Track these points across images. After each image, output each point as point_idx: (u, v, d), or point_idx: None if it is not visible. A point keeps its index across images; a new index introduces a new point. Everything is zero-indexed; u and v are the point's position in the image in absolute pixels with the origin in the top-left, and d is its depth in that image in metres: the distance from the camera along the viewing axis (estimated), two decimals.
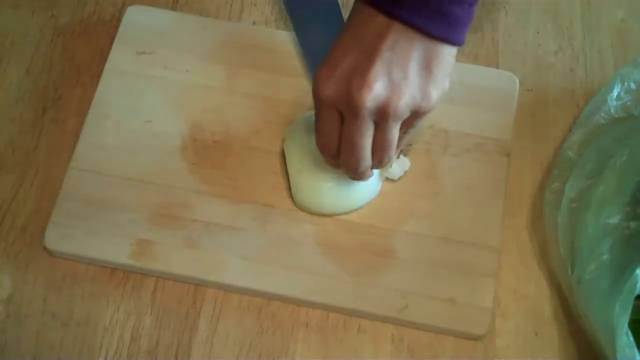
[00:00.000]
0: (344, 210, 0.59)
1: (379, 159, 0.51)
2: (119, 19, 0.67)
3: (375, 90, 0.46)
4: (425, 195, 0.60)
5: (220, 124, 0.62)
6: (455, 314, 0.56)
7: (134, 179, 0.60)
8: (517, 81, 0.65)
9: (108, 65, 0.64)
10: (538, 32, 0.70)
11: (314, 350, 0.57)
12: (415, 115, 0.48)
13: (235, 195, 0.60)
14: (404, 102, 0.46)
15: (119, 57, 0.64)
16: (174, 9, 0.69)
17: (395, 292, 0.57)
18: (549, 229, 0.59)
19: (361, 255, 0.58)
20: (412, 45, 0.46)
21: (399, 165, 0.59)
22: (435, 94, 0.47)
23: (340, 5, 0.70)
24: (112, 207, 0.59)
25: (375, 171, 0.57)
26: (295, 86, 0.64)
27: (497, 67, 0.67)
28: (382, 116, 0.47)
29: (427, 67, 0.46)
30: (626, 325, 0.50)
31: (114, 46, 0.65)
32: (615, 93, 0.61)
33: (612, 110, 0.61)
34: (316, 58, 0.61)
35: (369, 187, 0.59)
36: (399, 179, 0.60)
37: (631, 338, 0.50)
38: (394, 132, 0.49)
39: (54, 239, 0.58)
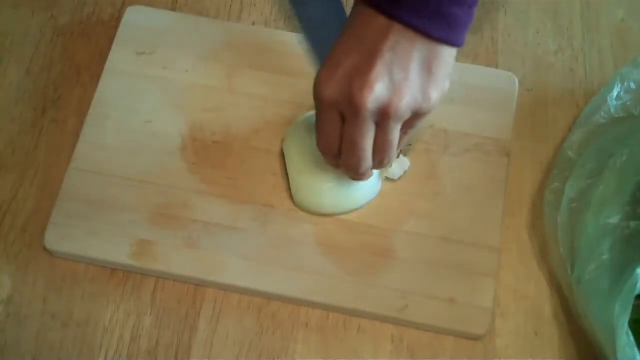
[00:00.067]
0: (344, 210, 0.59)
1: (380, 160, 0.51)
2: (118, 19, 0.67)
3: (377, 91, 0.46)
4: (425, 195, 0.60)
5: (220, 124, 0.62)
6: (455, 314, 0.56)
7: (134, 179, 0.60)
8: (517, 81, 0.65)
9: (108, 66, 0.64)
10: (538, 32, 0.70)
11: (314, 350, 0.57)
12: (416, 116, 0.48)
13: (235, 196, 0.60)
14: (405, 103, 0.46)
15: (118, 57, 0.64)
16: (173, 9, 0.69)
17: (395, 292, 0.57)
18: (549, 229, 0.59)
19: (361, 255, 0.58)
20: (412, 46, 0.46)
21: (399, 165, 0.59)
22: (435, 94, 0.47)
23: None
24: (112, 207, 0.59)
25: (375, 171, 0.57)
26: (295, 86, 0.64)
27: (497, 67, 0.67)
28: (383, 117, 0.47)
29: (428, 68, 0.46)
30: (626, 325, 0.50)
31: (114, 46, 0.65)
32: (615, 93, 0.61)
33: (612, 110, 0.61)
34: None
35: (368, 187, 0.59)
36: (399, 179, 0.60)
37: (631, 338, 0.50)
38: (395, 132, 0.49)
39: (54, 239, 0.58)
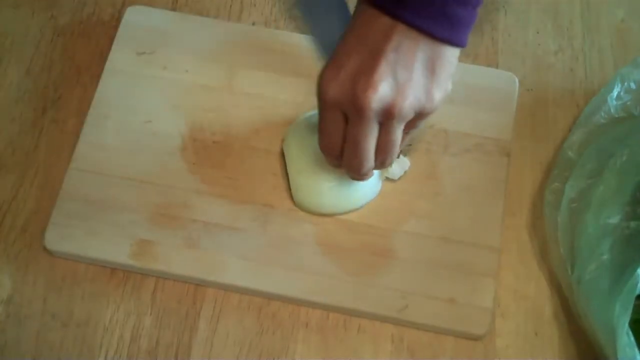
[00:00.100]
0: (344, 210, 0.59)
1: (382, 160, 0.51)
2: (118, 19, 0.67)
3: (381, 91, 0.46)
4: (425, 195, 0.60)
5: (220, 124, 0.62)
6: (455, 314, 0.56)
7: (134, 179, 0.60)
8: (517, 81, 0.65)
9: (108, 66, 0.64)
10: (538, 32, 0.70)
11: (314, 350, 0.57)
12: (419, 116, 0.48)
13: (235, 195, 0.60)
14: (409, 103, 0.46)
15: (118, 57, 0.64)
16: (173, 9, 0.69)
17: (395, 292, 0.57)
18: (549, 229, 0.59)
19: (361, 255, 0.58)
20: (416, 46, 0.46)
21: (399, 165, 0.59)
22: (438, 95, 0.48)
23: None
24: (112, 207, 0.59)
25: (375, 171, 0.57)
26: (295, 86, 0.64)
27: (497, 67, 0.67)
28: (387, 117, 0.47)
29: (431, 68, 0.47)
30: (627, 325, 0.50)
31: (114, 46, 0.65)
32: (615, 93, 0.61)
33: (612, 110, 0.61)
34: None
35: (369, 187, 0.59)
36: (399, 179, 0.60)
37: (632, 338, 0.50)
38: (398, 133, 0.49)
39: (54, 239, 0.58)
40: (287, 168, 0.60)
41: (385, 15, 0.45)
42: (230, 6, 0.69)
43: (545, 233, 0.60)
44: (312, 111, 0.62)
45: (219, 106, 0.63)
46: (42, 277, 0.58)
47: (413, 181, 0.61)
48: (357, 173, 0.52)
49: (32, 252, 0.59)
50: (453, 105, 0.63)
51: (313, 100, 0.63)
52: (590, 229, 0.55)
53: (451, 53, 0.47)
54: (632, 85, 0.61)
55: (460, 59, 0.48)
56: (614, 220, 0.54)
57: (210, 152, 0.61)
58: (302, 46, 0.66)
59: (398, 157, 0.59)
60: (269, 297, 0.58)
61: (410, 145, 0.62)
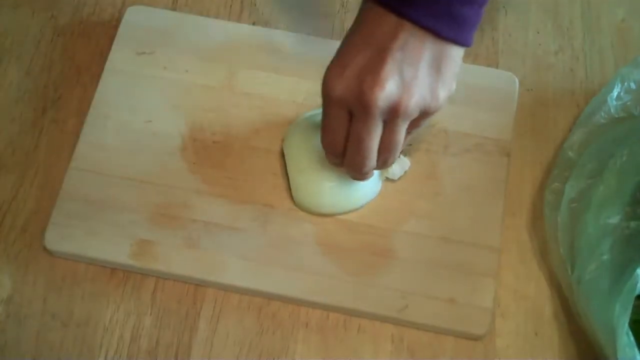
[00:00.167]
0: (343, 210, 0.59)
1: (384, 159, 0.51)
2: (118, 19, 0.67)
3: (387, 89, 0.46)
4: (425, 195, 0.60)
5: (220, 124, 0.62)
6: (455, 314, 0.56)
7: (134, 179, 0.60)
8: (517, 81, 0.65)
9: (108, 66, 0.64)
10: (538, 32, 0.70)
11: (314, 350, 0.57)
12: (423, 115, 0.49)
13: (235, 195, 0.60)
14: (414, 102, 0.47)
15: (118, 57, 0.64)
16: (173, 9, 0.69)
17: (395, 292, 0.57)
18: (549, 229, 0.59)
19: (361, 255, 0.58)
20: (422, 45, 0.46)
21: (399, 165, 0.59)
22: (443, 94, 0.48)
23: (340, 5, 0.70)
24: (112, 207, 0.59)
25: (376, 171, 0.57)
26: (295, 86, 0.64)
27: (497, 67, 0.67)
28: (392, 115, 0.47)
29: (437, 67, 0.47)
30: (626, 325, 0.50)
31: (114, 46, 0.65)
32: (615, 93, 0.61)
33: (612, 110, 0.61)
34: None
35: (369, 187, 0.59)
36: (399, 179, 0.60)
37: (631, 338, 0.50)
38: (402, 131, 0.49)
39: (54, 239, 0.58)
40: (287, 168, 0.60)
41: (391, 13, 0.45)
42: (230, 6, 0.69)
43: (545, 233, 0.60)
44: (312, 111, 0.62)
45: (219, 106, 0.63)
46: (42, 277, 0.58)
47: (413, 181, 0.61)
48: (358, 172, 0.52)
49: (32, 252, 0.59)
50: (453, 105, 0.63)
51: (313, 100, 0.63)
52: (590, 229, 0.55)
53: (456, 52, 0.47)
54: (633, 85, 0.61)
55: None
56: (614, 220, 0.54)
57: (210, 152, 0.61)
58: (302, 46, 0.66)
59: (398, 157, 0.59)
60: (269, 297, 0.58)
61: (410, 145, 0.62)
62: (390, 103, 0.46)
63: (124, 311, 0.57)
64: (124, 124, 0.62)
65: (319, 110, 0.61)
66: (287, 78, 0.64)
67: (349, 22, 0.68)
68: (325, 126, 0.51)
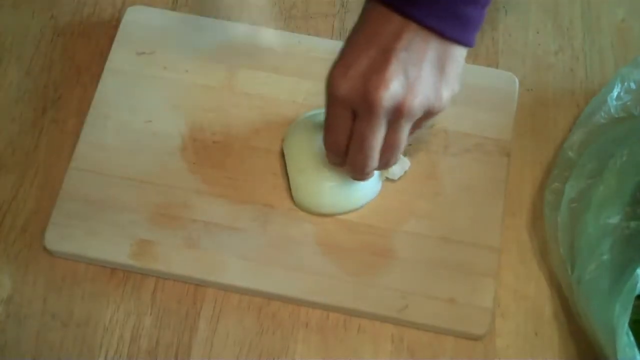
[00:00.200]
0: (343, 210, 0.59)
1: (386, 159, 0.51)
2: (118, 19, 0.67)
3: (392, 89, 0.46)
4: (425, 195, 0.60)
5: (220, 124, 0.62)
6: (455, 314, 0.56)
7: (134, 179, 0.60)
8: (517, 81, 0.65)
9: (108, 66, 0.64)
10: (538, 32, 0.70)
11: (314, 350, 0.57)
12: (427, 115, 0.49)
13: (235, 195, 0.60)
14: (419, 102, 0.47)
15: (118, 57, 0.64)
16: (173, 9, 0.69)
17: (395, 292, 0.57)
18: (549, 229, 0.59)
19: (361, 255, 0.58)
20: (426, 45, 0.46)
21: (399, 165, 0.59)
22: (447, 94, 0.48)
23: (340, 5, 0.70)
24: (112, 207, 0.59)
25: (376, 171, 0.57)
26: (295, 86, 0.64)
27: (497, 67, 0.67)
28: (396, 115, 0.47)
29: (441, 68, 0.47)
30: (626, 325, 0.50)
31: (114, 46, 0.65)
32: (615, 93, 0.61)
33: (612, 110, 0.61)
34: None
35: (369, 187, 0.59)
36: (399, 179, 0.60)
37: (631, 338, 0.50)
38: (406, 131, 0.49)
39: (54, 239, 0.58)
40: (287, 168, 0.60)
41: (396, 13, 0.45)
42: (231, 6, 0.69)
43: (545, 233, 0.60)
44: (312, 111, 0.62)
45: (219, 106, 0.63)
46: (42, 277, 0.58)
47: (413, 181, 0.61)
48: (360, 172, 0.53)
49: (32, 252, 0.59)
50: (453, 105, 0.62)
51: (313, 100, 0.63)
52: (590, 229, 0.55)
53: (459, 53, 0.47)
54: (632, 85, 0.61)
55: None
56: (614, 220, 0.54)
57: (210, 152, 0.61)
58: (302, 46, 0.66)
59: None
60: (269, 297, 0.58)
61: (410, 145, 0.62)
62: (394, 103, 0.46)
63: (124, 311, 0.57)
64: (124, 124, 0.62)
65: (319, 110, 0.62)
66: (287, 78, 0.64)
67: (349, 22, 0.69)
68: (328, 125, 0.51)
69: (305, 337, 0.57)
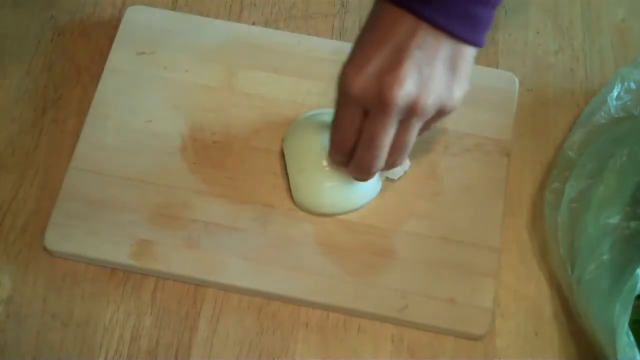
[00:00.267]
0: (343, 210, 0.59)
1: (393, 159, 0.52)
2: (118, 19, 0.67)
3: (406, 88, 0.46)
4: (425, 195, 0.60)
5: (220, 124, 0.62)
6: (455, 314, 0.56)
7: (134, 179, 0.60)
8: (517, 81, 0.65)
9: (108, 65, 0.64)
10: (538, 32, 0.70)
11: (314, 350, 0.57)
12: (438, 114, 0.49)
13: (235, 195, 0.60)
14: (432, 101, 0.47)
15: (118, 57, 0.64)
16: (173, 9, 0.69)
17: (395, 292, 0.57)
18: (549, 229, 0.59)
19: (361, 255, 0.58)
20: (439, 45, 0.46)
21: (399, 165, 0.59)
22: (458, 93, 0.48)
23: (340, 5, 0.70)
24: (112, 207, 0.59)
25: None
26: (295, 86, 0.64)
27: (497, 67, 0.67)
28: (409, 114, 0.48)
29: (453, 67, 0.47)
30: (626, 325, 0.50)
31: (114, 46, 0.65)
32: (615, 93, 0.61)
33: (612, 110, 0.61)
34: None
35: (369, 187, 0.59)
36: (399, 179, 0.60)
37: (631, 338, 0.50)
38: (416, 131, 0.50)
39: (54, 239, 0.58)
40: (287, 168, 0.60)
41: (408, 14, 0.46)
42: (230, 6, 0.69)
43: (545, 233, 0.60)
44: (312, 111, 0.62)
45: (219, 106, 0.63)
46: (42, 277, 0.58)
47: (413, 181, 0.61)
48: (366, 172, 0.53)
49: (32, 252, 0.59)
50: None
51: (313, 100, 0.63)
52: (590, 229, 0.55)
53: (470, 52, 0.48)
54: (632, 85, 0.61)
55: None
56: (614, 220, 0.54)
57: (210, 152, 0.61)
58: (302, 46, 0.66)
59: None
60: (269, 297, 0.58)
61: None
62: (408, 101, 0.47)
63: (124, 311, 0.57)
64: (124, 124, 0.62)
65: (319, 110, 0.62)
66: (287, 78, 0.64)
67: (349, 22, 0.69)
68: (337, 124, 0.51)
69: (305, 337, 0.57)
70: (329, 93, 0.63)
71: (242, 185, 0.60)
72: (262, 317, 0.57)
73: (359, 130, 0.50)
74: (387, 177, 0.60)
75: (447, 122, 0.63)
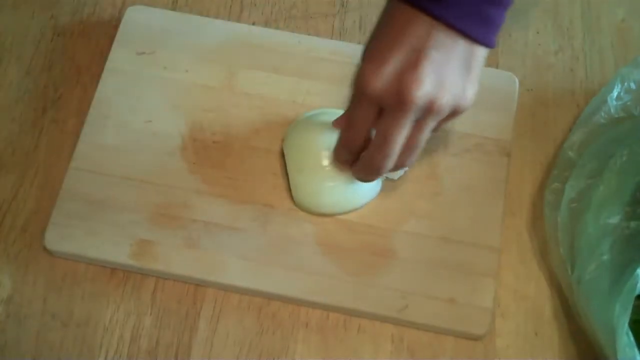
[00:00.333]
0: (343, 210, 0.59)
1: (404, 159, 0.52)
2: (118, 19, 0.67)
3: (425, 88, 0.47)
4: (425, 195, 0.60)
5: (220, 124, 0.62)
6: (455, 314, 0.56)
7: (134, 179, 0.60)
8: (517, 81, 0.65)
9: (108, 65, 0.64)
10: (538, 32, 0.70)
11: (314, 350, 0.57)
12: (452, 114, 0.50)
13: (235, 195, 0.60)
14: (447, 100, 0.48)
15: (118, 57, 0.64)
16: (173, 9, 0.69)
17: (395, 292, 0.57)
18: (549, 229, 0.59)
19: (361, 255, 0.58)
20: (455, 45, 0.47)
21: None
22: (471, 93, 0.49)
23: (340, 5, 0.70)
24: (112, 207, 0.59)
25: None
26: (295, 86, 0.64)
27: (497, 67, 0.67)
28: (425, 113, 0.48)
29: (467, 67, 0.48)
30: (626, 325, 0.50)
31: (114, 46, 0.65)
32: (615, 93, 0.61)
33: (612, 110, 0.61)
34: None
35: (369, 187, 0.59)
36: (399, 179, 0.60)
37: (631, 338, 0.50)
38: (429, 131, 0.50)
39: (54, 239, 0.58)
40: (287, 168, 0.60)
41: (424, 14, 0.46)
42: (230, 6, 0.69)
43: (545, 233, 0.60)
44: (312, 111, 0.62)
45: (219, 106, 0.63)
46: (42, 277, 0.58)
47: (413, 181, 0.61)
48: (375, 171, 0.53)
49: (32, 252, 0.59)
50: None
51: (313, 100, 0.63)
52: (590, 229, 0.55)
53: (482, 53, 0.49)
54: (632, 85, 0.61)
55: None
56: (614, 220, 0.54)
57: (210, 152, 0.61)
58: (302, 46, 0.66)
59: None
60: (269, 297, 0.58)
61: None
62: (426, 101, 0.47)
63: (124, 311, 0.57)
64: (124, 124, 0.62)
65: (319, 110, 0.62)
66: (287, 78, 0.64)
67: (349, 22, 0.69)
68: (350, 122, 0.52)
69: (305, 337, 0.57)
70: (329, 93, 0.63)
71: (242, 185, 0.60)
72: (262, 317, 0.57)
73: (369, 129, 0.51)
74: (387, 177, 0.60)
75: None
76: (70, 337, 0.56)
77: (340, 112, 0.56)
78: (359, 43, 0.67)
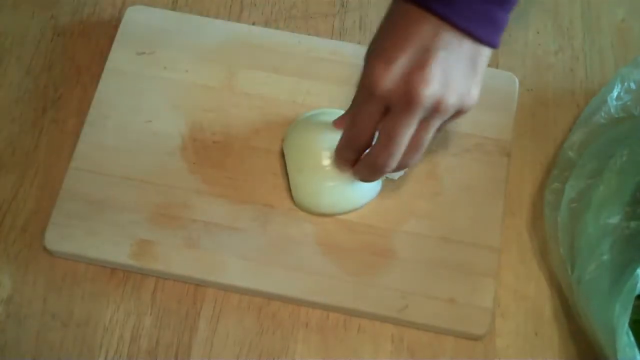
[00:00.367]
0: (343, 210, 0.59)
1: (407, 159, 0.52)
2: (118, 19, 0.67)
3: (433, 87, 0.47)
4: (425, 195, 0.60)
5: (220, 124, 0.62)
6: (455, 314, 0.56)
7: (134, 179, 0.60)
8: (517, 81, 0.65)
9: (108, 65, 0.64)
10: (538, 32, 0.70)
11: (314, 350, 0.57)
12: (457, 113, 0.50)
13: (235, 195, 0.60)
14: (453, 100, 0.48)
15: (118, 57, 0.64)
16: (173, 9, 0.69)
17: (395, 292, 0.57)
18: (549, 229, 0.59)
19: (361, 255, 0.58)
20: (461, 45, 0.48)
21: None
22: (476, 93, 0.49)
23: (340, 5, 0.70)
24: (112, 207, 0.59)
25: None
26: (295, 86, 0.64)
27: (497, 67, 0.67)
28: (432, 113, 0.48)
29: (473, 67, 0.49)
30: (626, 325, 0.50)
31: (114, 46, 0.65)
32: (615, 93, 0.61)
33: (612, 110, 0.61)
34: None
35: (369, 187, 0.59)
36: (399, 179, 0.60)
37: (632, 338, 0.50)
38: (434, 130, 0.50)
39: (54, 239, 0.58)
40: (287, 168, 0.60)
41: (431, 15, 0.47)
42: (230, 6, 0.69)
43: (545, 233, 0.60)
44: (312, 111, 0.62)
45: (219, 106, 0.63)
46: (42, 277, 0.58)
47: (413, 181, 0.61)
48: (378, 170, 0.53)
49: (32, 252, 0.59)
50: None
51: (313, 100, 0.63)
52: (590, 229, 0.55)
53: (487, 53, 0.49)
54: (632, 85, 0.61)
55: None
56: (614, 220, 0.54)
57: (210, 152, 0.61)
58: (302, 46, 0.66)
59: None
60: (269, 297, 0.58)
61: None
62: (433, 101, 0.48)
63: (124, 311, 0.57)
64: (124, 124, 0.62)
65: (319, 110, 0.62)
66: (287, 78, 0.64)
67: (349, 22, 0.69)
68: (355, 119, 0.52)
69: (305, 337, 0.57)
70: (329, 93, 0.63)
71: (242, 185, 0.60)
72: (262, 317, 0.57)
73: (374, 128, 0.51)
74: (387, 177, 0.60)
75: None
76: (70, 337, 0.56)
77: (340, 112, 0.56)
78: (359, 43, 0.67)
